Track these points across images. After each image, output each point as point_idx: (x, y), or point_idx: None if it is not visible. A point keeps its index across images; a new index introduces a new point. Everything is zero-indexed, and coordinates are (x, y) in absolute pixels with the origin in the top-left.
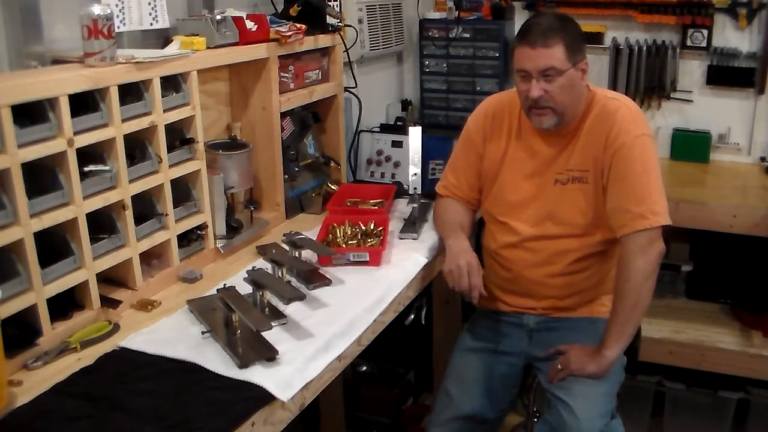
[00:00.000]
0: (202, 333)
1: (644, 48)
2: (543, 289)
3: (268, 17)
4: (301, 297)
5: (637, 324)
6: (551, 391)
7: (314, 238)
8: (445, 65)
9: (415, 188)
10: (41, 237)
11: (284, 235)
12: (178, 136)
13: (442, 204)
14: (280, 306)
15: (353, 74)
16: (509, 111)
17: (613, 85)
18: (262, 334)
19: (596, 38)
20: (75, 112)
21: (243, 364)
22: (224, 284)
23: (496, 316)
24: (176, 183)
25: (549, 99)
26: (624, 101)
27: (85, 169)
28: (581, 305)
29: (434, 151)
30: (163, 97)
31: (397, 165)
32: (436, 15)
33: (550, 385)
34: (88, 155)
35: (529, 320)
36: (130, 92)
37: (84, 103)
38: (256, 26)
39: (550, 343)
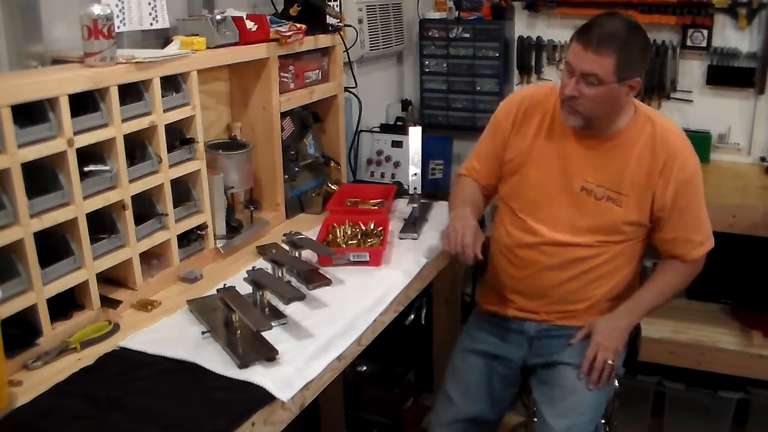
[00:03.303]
0: (202, 333)
1: None
2: (554, 292)
3: (268, 17)
4: (301, 297)
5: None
6: (538, 402)
7: (314, 238)
8: (445, 65)
9: (415, 188)
10: (41, 237)
11: (284, 235)
12: (178, 136)
13: (459, 182)
14: (280, 306)
15: (353, 74)
16: (543, 106)
17: None
18: (262, 334)
19: None
20: (75, 112)
21: (243, 364)
22: (224, 284)
23: (496, 321)
24: (176, 183)
25: (581, 103)
26: (672, 127)
27: (85, 169)
28: (586, 312)
29: (434, 151)
30: (163, 97)
31: (397, 165)
32: (436, 15)
33: (538, 396)
34: (88, 155)
35: (530, 328)
36: (130, 92)
37: (84, 103)
38: (256, 26)
39: (550, 351)
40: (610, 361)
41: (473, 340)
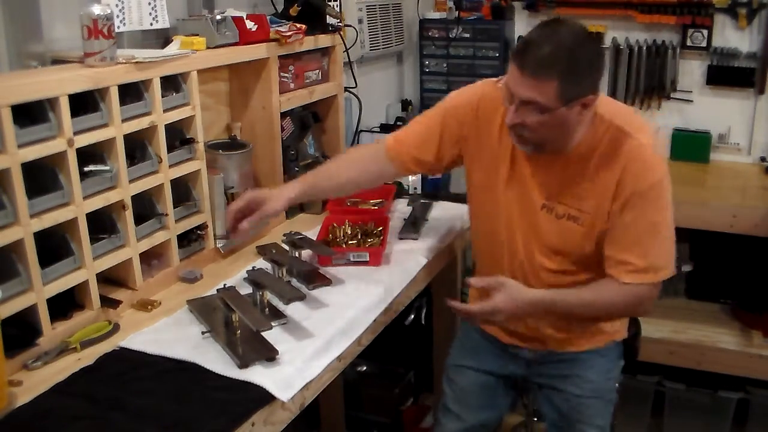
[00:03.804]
0: (202, 333)
1: (644, 48)
2: (540, 321)
3: (268, 17)
4: (301, 297)
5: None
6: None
7: (314, 238)
8: (445, 65)
9: (415, 188)
10: (41, 237)
11: (284, 235)
12: (178, 136)
13: (362, 150)
14: (280, 306)
15: (353, 74)
16: (498, 111)
17: (613, 85)
18: (262, 334)
19: (596, 38)
20: (75, 112)
21: (243, 364)
22: (224, 284)
23: (490, 339)
24: (176, 183)
25: (525, 130)
26: (639, 136)
27: (85, 169)
28: (582, 337)
29: None
30: (163, 97)
31: None
32: (436, 15)
33: (545, 413)
34: (88, 155)
35: (524, 353)
36: (130, 92)
37: (84, 103)
38: (256, 26)
39: (552, 377)
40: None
41: (467, 356)
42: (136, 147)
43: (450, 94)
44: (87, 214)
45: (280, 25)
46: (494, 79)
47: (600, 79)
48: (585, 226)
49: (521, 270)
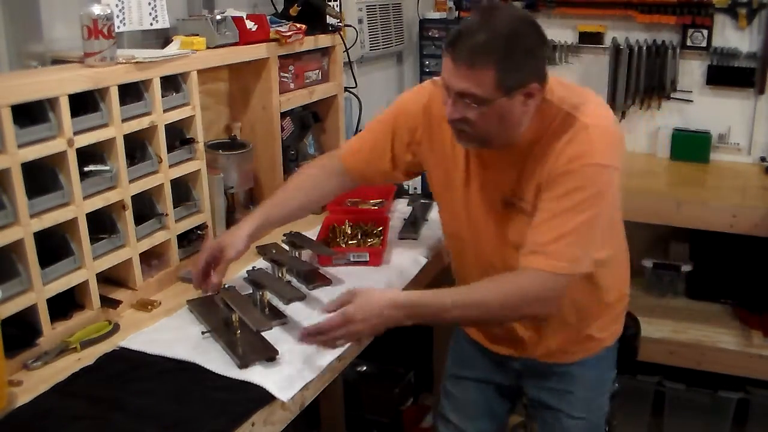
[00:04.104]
0: (202, 333)
1: (644, 48)
2: (515, 332)
3: (268, 17)
4: (301, 297)
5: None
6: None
7: (314, 238)
8: None
9: (415, 188)
10: (41, 237)
11: (284, 235)
12: (178, 136)
13: (315, 167)
14: (280, 306)
15: (353, 74)
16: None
17: (613, 85)
18: (262, 334)
19: (596, 38)
20: (75, 112)
21: (243, 364)
22: (224, 284)
23: (479, 347)
24: (176, 183)
25: (466, 125)
26: (596, 120)
27: (85, 169)
28: (571, 346)
29: None
30: (163, 97)
31: None
32: (436, 15)
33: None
34: (88, 155)
35: (513, 363)
36: (130, 92)
37: (84, 103)
38: (256, 26)
39: (542, 387)
40: (343, 341)
41: (461, 365)
42: (136, 147)
43: (401, 95)
44: (87, 214)
45: (280, 25)
46: (439, 77)
47: (544, 67)
48: (531, 214)
49: (493, 270)
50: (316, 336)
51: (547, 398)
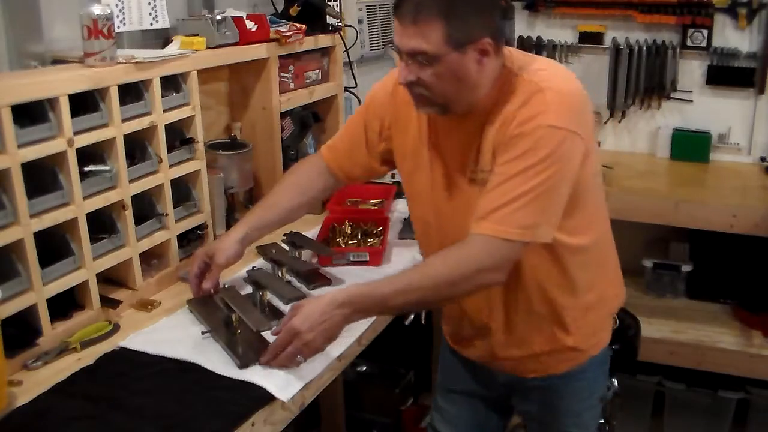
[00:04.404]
0: (202, 333)
1: (644, 48)
2: (495, 330)
3: (268, 17)
4: (301, 297)
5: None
6: None
7: (314, 238)
8: None
9: None
10: (41, 237)
11: (284, 235)
12: (178, 136)
13: (301, 168)
14: (281, 306)
15: (353, 74)
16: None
17: (613, 85)
18: (262, 334)
19: (596, 38)
20: (75, 112)
21: (243, 364)
22: (224, 284)
23: (464, 360)
24: (176, 183)
25: (422, 87)
26: (553, 83)
27: (85, 169)
28: (551, 357)
29: None
30: (163, 97)
31: None
32: None
33: None
34: (88, 155)
35: (498, 377)
36: (130, 92)
37: (84, 103)
38: (256, 26)
39: (531, 400)
40: (300, 358)
41: (450, 378)
42: (136, 147)
43: (373, 86)
44: (87, 214)
45: (280, 25)
46: None
47: (494, 23)
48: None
49: None
50: (275, 358)
51: (536, 412)
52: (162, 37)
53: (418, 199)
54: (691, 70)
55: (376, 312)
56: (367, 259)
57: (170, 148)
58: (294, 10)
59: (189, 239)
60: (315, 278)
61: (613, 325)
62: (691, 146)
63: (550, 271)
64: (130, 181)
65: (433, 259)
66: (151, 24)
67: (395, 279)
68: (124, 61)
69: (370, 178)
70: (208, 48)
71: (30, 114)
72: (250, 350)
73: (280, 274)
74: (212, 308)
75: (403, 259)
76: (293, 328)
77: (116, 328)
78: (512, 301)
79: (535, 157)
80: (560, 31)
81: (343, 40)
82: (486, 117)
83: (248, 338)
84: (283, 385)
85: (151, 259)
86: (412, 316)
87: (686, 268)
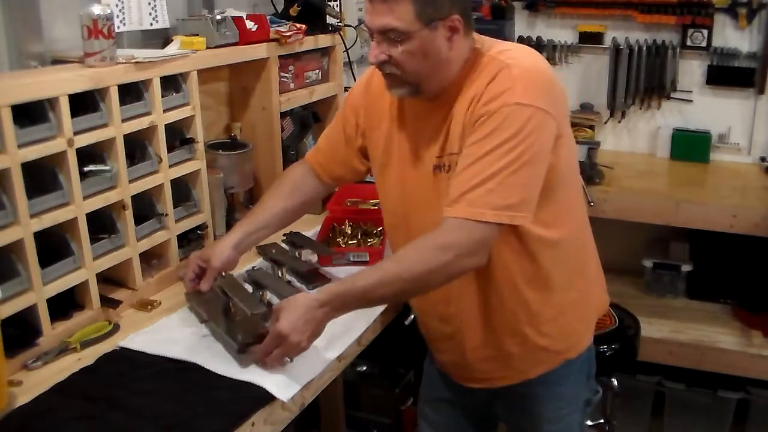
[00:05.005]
0: (201, 321)
1: (644, 48)
2: (459, 336)
3: (268, 17)
4: None
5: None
6: None
7: (314, 238)
8: None
9: None
10: (41, 237)
11: (284, 235)
12: (178, 136)
13: (291, 172)
14: None
15: (353, 74)
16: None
17: (613, 85)
18: (262, 333)
19: (596, 38)
20: (75, 112)
21: (243, 364)
22: (222, 273)
23: (438, 370)
24: (176, 183)
25: (394, 66)
26: (520, 60)
27: (85, 169)
28: (522, 359)
29: None
30: (163, 97)
31: None
32: None
33: None
34: (88, 155)
35: (473, 390)
36: (130, 92)
37: (84, 103)
38: (256, 26)
39: (513, 408)
40: (287, 359)
41: (431, 387)
42: (136, 147)
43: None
44: (87, 214)
45: (280, 25)
46: None
47: (464, 2)
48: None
49: None
50: (265, 361)
51: (516, 420)
52: (162, 37)
53: (390, 192)
54: (691, 70)
55: (357, 307)
56: (367, 259)
57: (170, 148)
58: (294, 10)
59: (189, 239)
60: (315, 278)
61: (611, 324)
62: (691, 146)
63: (523, 266)
64: (130, 181)
65: (410, 248)
66: (151, 24)
67: (374, 271)
68: (124, 61)
69: (353, 178)
70: (208, 48)
71: (30, 114)
72: (248, 336)
73: (280, 274)
74: (210, 297)
75: None
76: (279, 333)
77: (116, 328)
78: (482, 297)
79: (504, 136)
80: (560, 31)
81: (343, 40)
82: (455, 99)
83: (246, 323)
84: (283, 385)
85: (151, 259)
86: (412, 316)
87: (686, 268)
